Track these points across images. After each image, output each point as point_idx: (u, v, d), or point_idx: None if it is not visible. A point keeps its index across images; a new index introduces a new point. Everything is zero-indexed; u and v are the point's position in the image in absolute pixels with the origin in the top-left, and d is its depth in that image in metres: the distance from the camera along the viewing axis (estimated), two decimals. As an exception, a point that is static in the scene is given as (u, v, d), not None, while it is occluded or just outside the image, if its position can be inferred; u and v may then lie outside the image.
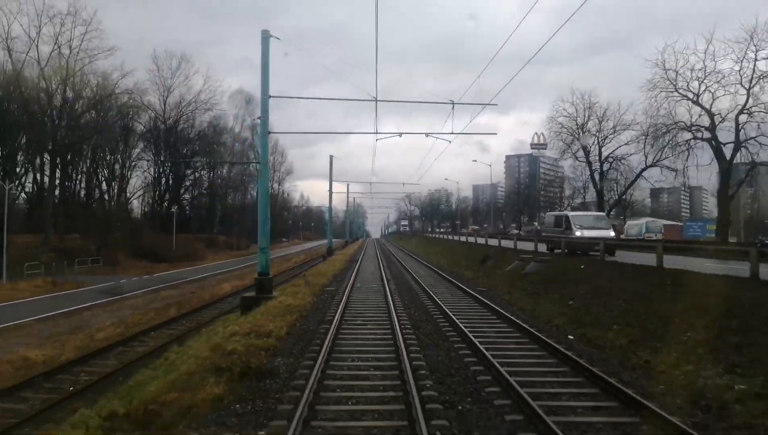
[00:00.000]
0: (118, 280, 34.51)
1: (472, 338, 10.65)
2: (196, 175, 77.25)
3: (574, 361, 8.89)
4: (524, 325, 12.13)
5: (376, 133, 23.81)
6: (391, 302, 15.86)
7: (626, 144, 35.83)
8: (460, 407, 6.96)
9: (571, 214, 25.74)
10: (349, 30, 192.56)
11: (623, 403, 6.92)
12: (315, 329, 12.15)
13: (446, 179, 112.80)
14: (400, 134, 27.85)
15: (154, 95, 62.90)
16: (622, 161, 37.40)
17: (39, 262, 34.27)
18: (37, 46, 43.46)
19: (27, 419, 9.54)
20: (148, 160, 65.88)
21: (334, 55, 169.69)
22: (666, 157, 32.51)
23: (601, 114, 37.72)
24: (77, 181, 57.18)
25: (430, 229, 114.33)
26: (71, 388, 11.53)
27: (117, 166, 60.64)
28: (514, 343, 10.87)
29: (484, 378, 8.26)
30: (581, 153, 39.61)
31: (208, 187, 79.87)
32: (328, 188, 54.68)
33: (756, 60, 24.58)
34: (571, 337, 11.45)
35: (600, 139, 37.90)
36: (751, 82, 25.25)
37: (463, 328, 11.74)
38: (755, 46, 24.40)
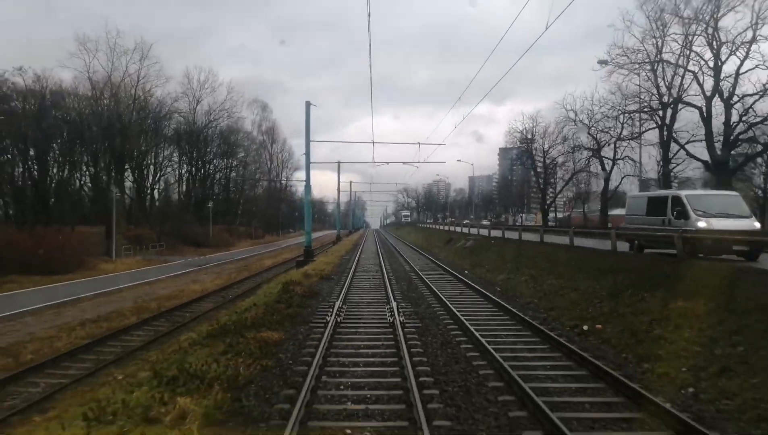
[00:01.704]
0: (184, 259, 46.91)
1: (419, 272, 23.17)
2: (219, 174, 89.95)
3: (457, 277, 21.35)
4: (447, 268, 24.64)
5: (374, 162, 38.22)
6: (382, 262, 28.39)
7: (562, 154, 48.38)
8: (403, 283, 19.59)
9: (685, 193, 16.51)
10: (345, 18, 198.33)
11: (472, 290, 19.26)
12: (344, 270, 24.72)
13: (438, 175, 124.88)
14: (388, 163, 41.25)
15: (185, 103, 75.02)
16: (562, 167, 49.97)
17: (131, 245, 46.77)
18: (110, 77, 55.84)
19: (223, 305, 22.07)
20: (176, 161, 78.43)
21: (329, 43, 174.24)
22: (591, 165, 45.07)
23: (542, 132, 50.25)
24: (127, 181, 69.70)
25: (425, 220, 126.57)
26: (230, 296, 24.17)
27: (153, 167, 73.33)
28: (439, 274, 23.42)
29: (417, 279, 20.83)
30: (529, 162, 52.48)
31: (226, 184, 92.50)
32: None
33: (626, 105, 37.04)
34: (466, 271, 23.94)
35: (544, 150, 50.45)
36: (623, 118, 37.80)
37: (416, 268, 24.33)
38: (625, 99, 36.87)
